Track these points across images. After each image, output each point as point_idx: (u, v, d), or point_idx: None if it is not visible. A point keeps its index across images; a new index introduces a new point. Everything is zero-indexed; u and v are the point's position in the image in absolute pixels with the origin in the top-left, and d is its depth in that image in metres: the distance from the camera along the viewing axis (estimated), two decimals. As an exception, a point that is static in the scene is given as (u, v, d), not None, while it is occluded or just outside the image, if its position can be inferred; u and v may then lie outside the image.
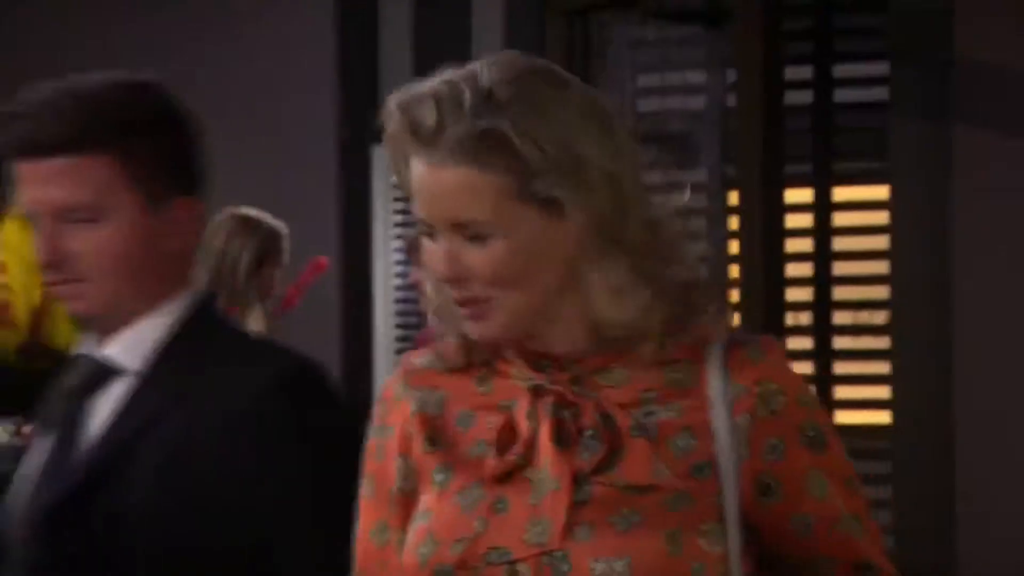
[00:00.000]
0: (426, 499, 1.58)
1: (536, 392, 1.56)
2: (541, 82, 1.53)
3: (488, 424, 1.57)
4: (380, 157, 5.60)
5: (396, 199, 5.73)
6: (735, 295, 4.31)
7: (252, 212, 4.05)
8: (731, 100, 4.39)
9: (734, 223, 4.36)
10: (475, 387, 1.60)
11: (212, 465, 1.82)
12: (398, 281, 5.69)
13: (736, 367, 1.55)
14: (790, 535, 1.56)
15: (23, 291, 5.95)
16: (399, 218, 5.72)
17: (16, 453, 4.66)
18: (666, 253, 1.55)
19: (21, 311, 5.92)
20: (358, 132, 5.61)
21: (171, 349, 1.90)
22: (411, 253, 4.31)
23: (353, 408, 1.88)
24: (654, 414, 1.54)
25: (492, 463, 1.54)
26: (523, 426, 1.55)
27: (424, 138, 1.51)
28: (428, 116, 1.51)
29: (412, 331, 5.49)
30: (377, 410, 1.64)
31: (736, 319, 4.56)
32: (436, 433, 1.59)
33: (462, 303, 1.54)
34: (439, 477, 1.58)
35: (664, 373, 1.55)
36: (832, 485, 1.56)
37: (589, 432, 1.54)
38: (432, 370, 1.62)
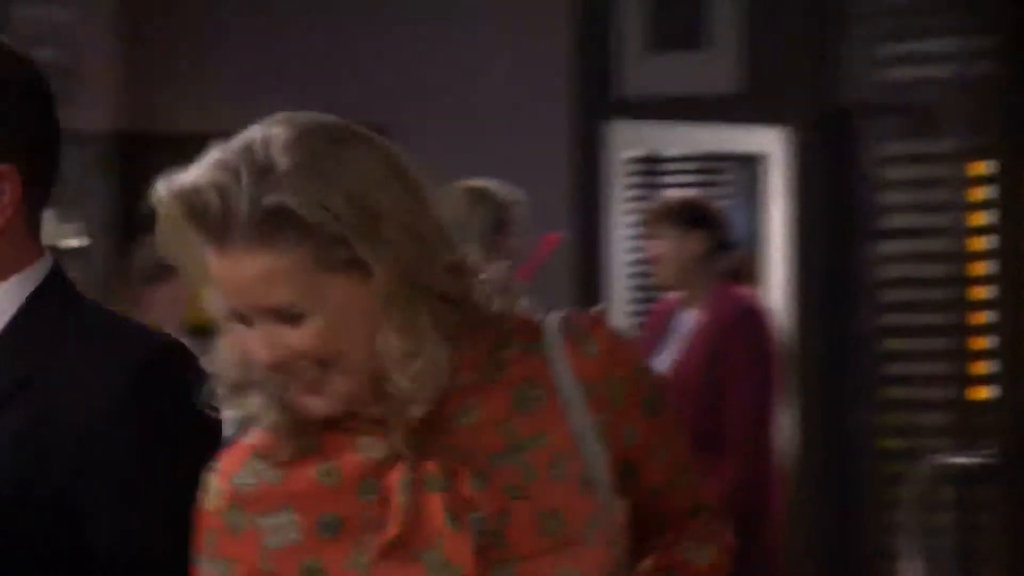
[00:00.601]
0: None
1: (396, 461, 1.49)
2: (321, 141, 1.47)
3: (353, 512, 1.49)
4: (613, 131, 5.57)
5: (630, 174, 5.70)
6: (981, 265, 4.18)
7: (484, 183, 4.06)
8: (978, 68, 4.24)
9: (977, 193, 4.22)
10: (318, 481, 1.50)
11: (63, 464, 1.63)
12: (631, 257, 5.65)
13: (578, 366, 1.52)
14: (642, 502, 1.57)
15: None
16: (632, 193, 5.68)
17: None
18: (474, 294, 1.50)
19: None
20: (591, 107, 5.59)
21: (19, 324, 1.71)
22: (646, 227, 4.27)
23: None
24: (522, 449, 1.50)
25: (376, 542, 1.47)
26: (399, 501, 1.48)
27: (211, 229, 1.44)
28: (210, 206, 1.43)
29: (644, 306, 5.45)
30: (205, 538, 1.51)
31: (985, 290, 4.41)
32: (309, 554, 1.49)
33: (295, 385, 1.47)
34: None
35: (512, 394, 1.51)
36: (668, 444, 1.58)
37: (476, 515, 1.48)
38: (263, 484, 1.50)
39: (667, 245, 4.18)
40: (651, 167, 5.75)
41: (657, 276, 4.23)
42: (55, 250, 6.09)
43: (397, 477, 1.47)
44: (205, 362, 1.53)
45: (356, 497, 1.48)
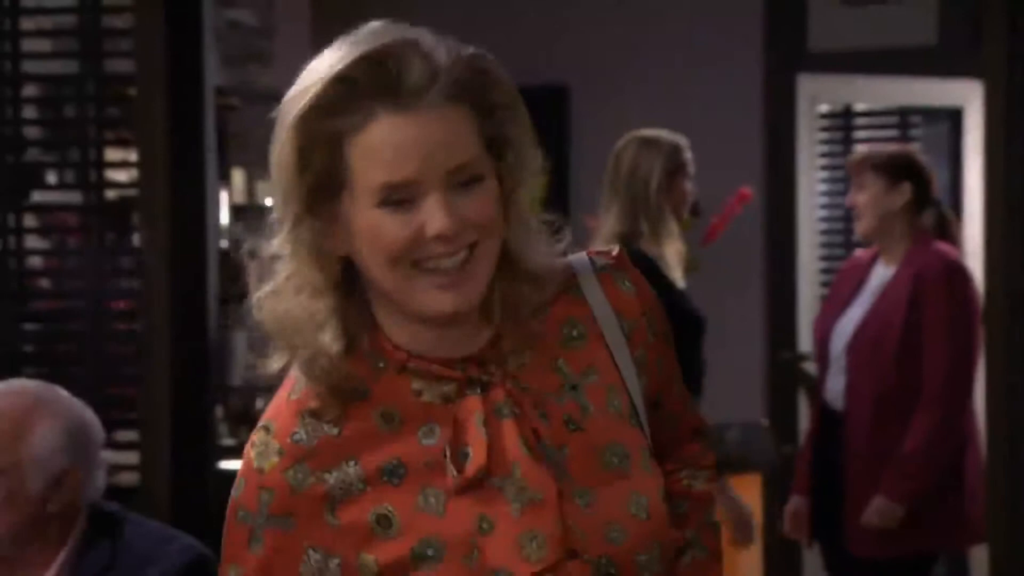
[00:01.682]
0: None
1: (471, 390, 1.49)
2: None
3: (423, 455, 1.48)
4: (806, 85, 5.46)
5: (822, 128, 5.59)
6: None
7: (652, 132, 4.05)
8: None
9: None
10: (378, 429, 1.49)
11: None
12: (822, 212, 5.59)
13: (617, 302, 1.57)
14: (660, 428, 1.62)
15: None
16: (824, 148, 5.59)
17: None
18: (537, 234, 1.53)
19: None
20: (784, 60, 5.48)
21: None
22: (851, 176, 4.21)
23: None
24: (578, 387, 1.54)
25: (452, 479, 1.47)
26: (478, 436, 1.48)
27: (409, 88, 1.43)
28: (413, 63, 1.44)
29: (835, 262, 5.40)
30: (262, 496, 1.49)
31: None
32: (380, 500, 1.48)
33: (443, 264, 1.46)
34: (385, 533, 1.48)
35: (558, 334, 1.54)
36: (679, 371, 1.64)
37: (546, 444, 1.51)
38: (324, 438, 1.49)
39: (871, 195, 4.12)
40: (844, 121, 5.64)
41: (859, 227, 4.18)
42: (249, 207, 6.18)
43: (473, 409, 1.49)
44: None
45: (418, 441, 1.49)
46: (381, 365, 1.51)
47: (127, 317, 4.02)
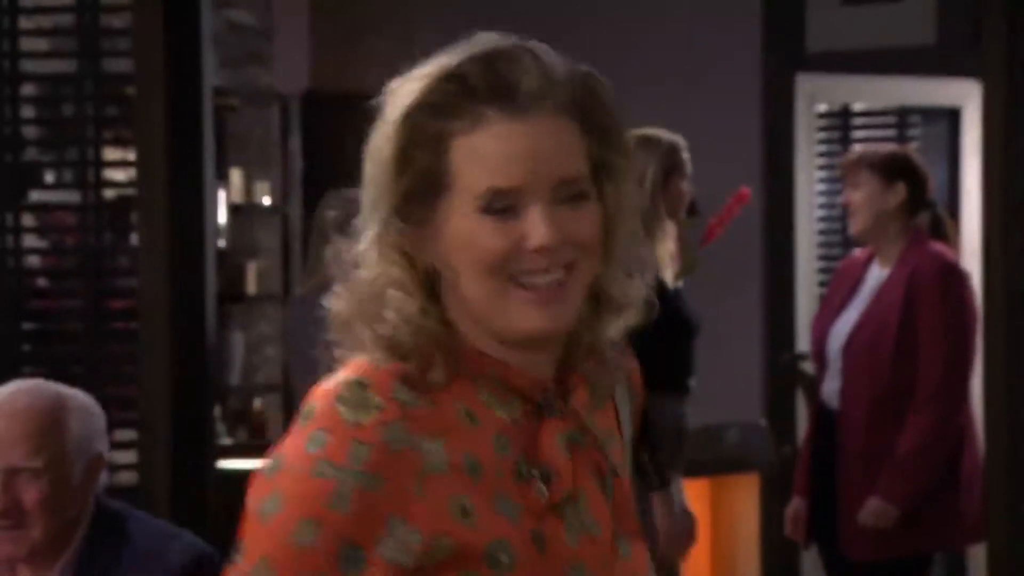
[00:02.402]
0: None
1: (549, 413, 1.45)
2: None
3: (497, 464, 1.43)
4: (803, 84, 5.46)
5: (821, 128, 5.59)
6: None
7: (649, 131, 4.04)
8: None
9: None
10: (460, 420, 1.43)
11: None
12: (821, 212, 5.59)
13: (630, 374, 1.58)
14: None
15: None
16: (822, 148, 5.59)
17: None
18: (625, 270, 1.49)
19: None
20: (782, 60, 5.48)
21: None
22: (847, 174, 4.20)
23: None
24: (608, 444, 1.52)
25: (537, 497, 1.42)
26: (562, 459, 1.44)
27: (524, 94, 1.39)
28: (530, 70, 1.40)
29: (834, 262, 5.40)
30: (356, 451, 1.38)
31: None
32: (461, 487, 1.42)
33: (538, 279, 1.40)
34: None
35: (589, 387, 1.51)
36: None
37: (607, 479, 1.49)
38: (421, 407, 1.41)
39: (866, 194, 4.11)
40: (842, 121, 5.64)
41: (852, 225, 4.17)
42: (248, 207, 6.22)
43: (555, 431, 1.45)
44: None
45: (492, 447, 1.43)
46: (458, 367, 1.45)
47: (126, 316, 4.02)
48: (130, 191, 4.09)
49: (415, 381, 1.41)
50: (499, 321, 1.42)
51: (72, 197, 4.20)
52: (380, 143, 1.41)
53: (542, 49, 1.43)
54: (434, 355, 1.41)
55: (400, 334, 1.41)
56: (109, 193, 4.28)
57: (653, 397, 3.89)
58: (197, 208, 3.96)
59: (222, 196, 5.59)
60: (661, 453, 3.85)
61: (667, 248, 3.94)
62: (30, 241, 4.31)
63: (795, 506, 4.25)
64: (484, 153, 1.39)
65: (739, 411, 5.30)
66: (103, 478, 2.48)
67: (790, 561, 5.36)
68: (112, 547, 2.40)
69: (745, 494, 4.93)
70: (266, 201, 5.91)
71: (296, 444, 1.39)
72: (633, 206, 1.48)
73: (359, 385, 1.40)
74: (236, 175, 5.82)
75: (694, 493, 4.38)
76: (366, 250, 1.43)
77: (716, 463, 4.79)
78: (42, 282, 4.36)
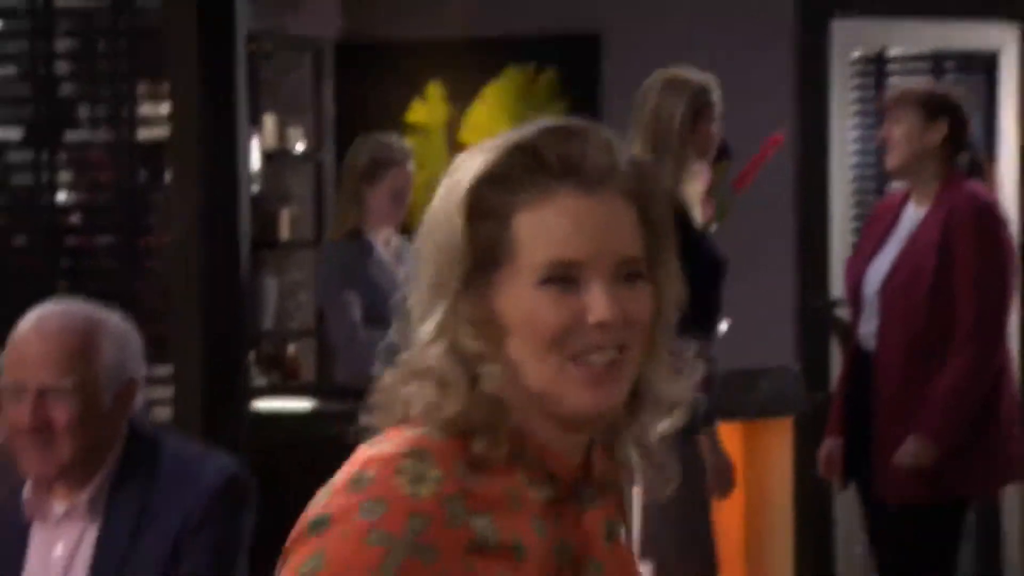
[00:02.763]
0: None
1: (588, 503, 1.46)
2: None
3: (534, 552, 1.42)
4: (838, 28, 5.42)
5: (854, 75, 5.55)
6: None
7: (679, 71, 4.01)
8: None
9: None
10: (510, 502, 1.42)
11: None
12: (854, 159, 5.55)
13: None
14: None
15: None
16: (857, 93, 5.55)
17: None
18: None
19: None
20: (816, 4, 5.44)
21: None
22: (887, 109, 4.14)
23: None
24: (615, 530, 1.51)
25: None
26: (606, 551, 1.46)
27: (592, 171, 1.40)
28: (599, 147, 1.41)
29: (868, 208, 5.37)
30: (412, 523, 1.37)
31: None
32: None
33: (595, 356, 1.40)
34: None
35: (612, 465, 1.50)
36: None
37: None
38: (475, 484, 1.40)
39: (906, 130, 4.06)
40: (877, 67, 5.60)
41: (890, 161, 4.12)
42: (280, 153, 6.24)
43: (597, 522, 1.46)
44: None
45: (533, 529, 1.43)
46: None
47: (159, 256, 4.03)
48: (164, 132, 4.09)
49: (473, 457, 1.41)
50: (551, 400, 1.41)
51: (106, 136, 4.20)
52: (444, 216, 1.41)
53: (607, 131, 1.44)
54: (501, 433, 1.41)
55: (473, 410, 1.40)
56: (143, 133, 4.29)
57: (682, 337, 3.90)
58: (230, 154, 3.96)
59: (255, 143, 5.59)
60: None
61: (696, 189, 3.92)
62: (64, 179, 4.32)
63: (828, 447, 4.24)
64: (549, 225, 1.39)
65: (772, 356, 5.29)
66: (139, 401, 2.48)
67: (823, 507, 5.35)
68: (146, 469, 2.42)
69: (778, 439, 4.91)
70: (299, 147, 5.91)
71: (348, 509, 1.37)
72: (679, 301, 1.48)
73: (419, 456, 1.39)
74: (269, 121, 5.82)
75: (727, 438, 4.37)
76: (435, 331, 1.41)
77: (749, 408, 4.78)
78: (76, 220, 4.37)
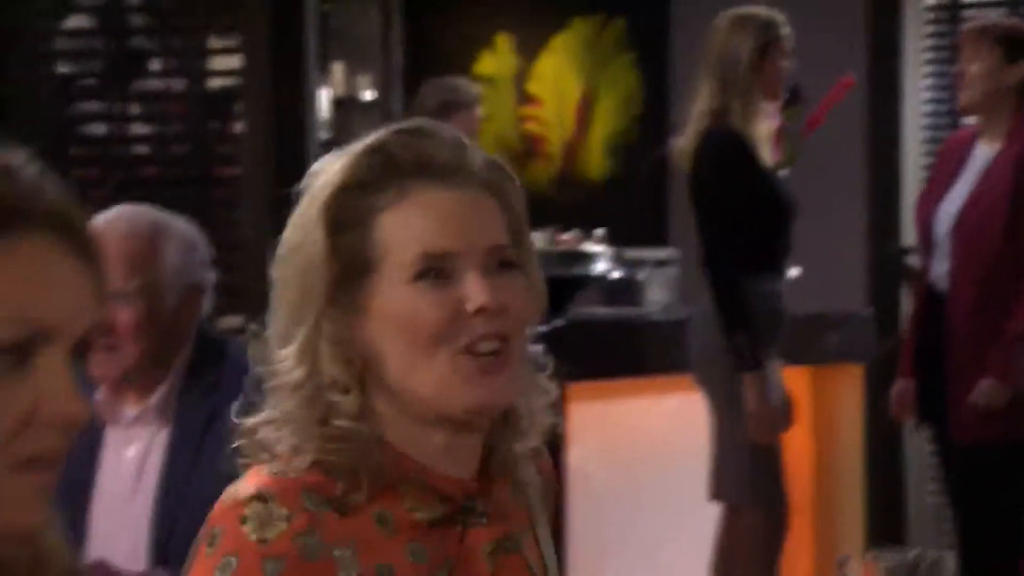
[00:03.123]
0: None
1: (475, 518, 1.42)
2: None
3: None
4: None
5: (927, 21, 5.48)
6: None
7: (747, 8, 3.97)
8: None
9: None
10: (376, 526, 1.39)
11: None
12: (927, 108, 5.49)
13: (542, 465, 1.54)
14: None
15: (557, 124, 6.14)
16: (930, 36, 5.48)
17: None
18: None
19: (555, 144, 6.12)
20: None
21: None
22: (964, 44, 4.08)
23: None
24: (518, 540, 1.48)
25: None
26: (487, 568, 1.43)
27: (448, 167, 1.40)
28: (448, 143, 1.41)
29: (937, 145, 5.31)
30: (266, 568, 1.34)
31: None
32: None
33: (483, 345, 1.38)
34: None
35: (511, 485, 1.47)
36: None
37: None
38: (331, 515, 1.37)
39: (984, 68, 4.00)
40: (951, 13, 5.52)
41: (963, 98, 4.07)
42: (349, 101, 6.28)
43: (481, 541, 1.43)
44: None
45: (406, 556, 1.40)
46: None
47: (230, 205, 4.06)
48: (235, 81, 4.12)
49: (327, 494, 1.37)
50: (443, 399, 1.38)
51: (177, 85, 4.23)
52: (304, 232, 1.39)
53: (456, 131, 1.44)
54: (361, 477, 1.37)
55: (335, 454, 1.37)
56: (214, 82, 4.31)
57: (748, 277, 3.90)
58: (299, 102, 3.98)
59: (324, 90, 5.61)
60: (754, 334, 3.84)
61: (765, 127, 3.90)
62: (136, 129, 4.36)
63: (900, 387, 4.22)
64: (413, 221, 1.38)
65: (843, 301, 5.26)
66: (205, 307, 2.46)
67: (893, 451, 5.34)
68: (214, 373, 2.41)
69: (848, 385, 4.90)
70: (368, 95, 5.93)
71: (205, 573, 1.35)
72: (541, 305, 1.45)
73: (260, 499, 1.36)
74: (338, 69, 5.84)
75: (796, 382, 4.36)
76: (296, 357, 1.38)
77: (819, 353, 4.76)
78: (149, 170, 4.42)
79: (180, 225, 2.46)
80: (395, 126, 1.42)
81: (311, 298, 1.38)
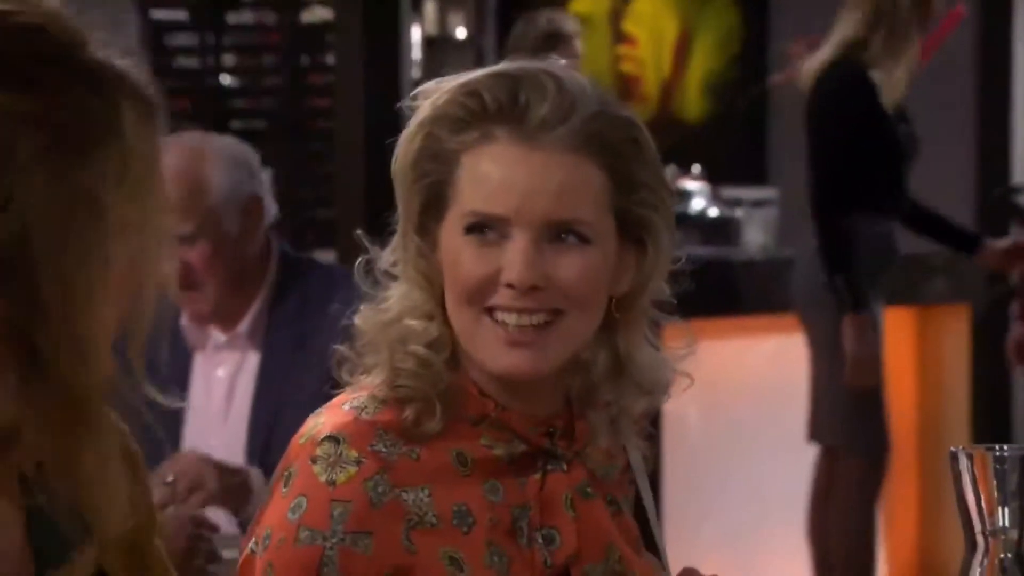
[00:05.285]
0: None
1: (552, 463, 1.39)
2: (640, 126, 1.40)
3: (491, 516, 1.37)
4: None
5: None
6: None
7: None
8: None
9: None
10: (453, 466, 1.37)
11: None
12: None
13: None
14: None
15: (654, 64, 6.04)
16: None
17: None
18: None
19: (652, 84, 6.03)
20: None
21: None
22: None
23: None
24: (609, 475, 1.45)
25: (540, 561, 1.37)
26: (567, 520, 1.39)
27: (541, 122, 1.34)
28: (550, 96, 1.35)
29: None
30: (334, 511, 1.33)
31: None
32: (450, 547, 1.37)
33: (509, 324, 1.35)
34: None
35: (593, 432, 1.43)
36: None
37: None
38: (404, 458, 1.35)
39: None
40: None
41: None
42: (442, 39, 6.23)
43: (560, 487, 1.40)
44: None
45: (483, 494, 1.38)
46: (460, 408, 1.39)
47: (323, 137, 4.02)
48: (327, 17, 4.07)
49: (403, 430, 1.36)
50: (475, 354, 1.38)
51: (269, 18, 4.19)
52: (402, 151, 1.39)
53: (575, 80, 1.37)
54: (434, 405, 1.36)
55: (406, 381, 1.37)
56: (305, 17, 4.27)
57: (860, 217, 3.81)
58: (392, 40, 3.94)
59: (416, 29, 5.56)
60: (858, 276, 3.76)
61: (909, 68, 3.78)
62: (228, 61, 4.32)
63: (1020, 332, 4.12)
64: (482, 174, 1.36)
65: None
66: (269, 214, 2.43)
67: (1001, 395, 5.21)
68: (299, 292, 2.41)
69: (955, 327, 4.79)
70: (460, 33, 5.87)
71: (278, 513, 1.35)
72: (665, 269, 1.40)
73: (332, 441, 1.35)
74: (430, 7, 5.79)
75: (901, 325, 4.26)
76: (392, 262, 1.40)
77: (925, 294, 4.67)
78: (240, 103, 4.39)
79: (219, 142, 2.43)
80: (497, 67, 1.39)
81: (405, 220, 1.39)
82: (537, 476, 1.39)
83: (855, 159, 3.82)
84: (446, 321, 1.38)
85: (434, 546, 1.34)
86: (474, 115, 1.36)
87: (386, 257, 1.40)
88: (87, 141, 0.99)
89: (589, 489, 1.42)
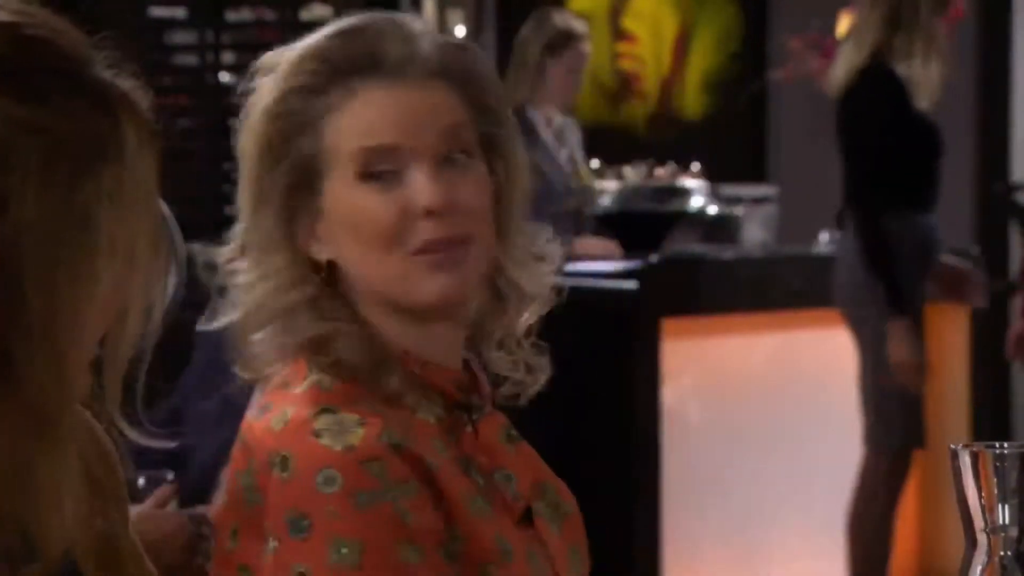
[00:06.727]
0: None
1: (475, 413, 1.39)
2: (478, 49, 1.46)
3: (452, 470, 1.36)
4: None
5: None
6: None
7: None
8: None
9: None
10: (414, 429, 1.36)
11: None
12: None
13: None
14: None
15: (653, 61, 6.04)
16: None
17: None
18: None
19: (651, 81, 6.02)
20: None
21: None
22: None
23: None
24: (512, 431, 1.44)
25: (513, 503, 1.39)
26: (512, 457, 1.41)
27: (395, 61, 1.36)
28: (393, 39, 1.37)
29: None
30: (372, 469, 1.31)
31: None
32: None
33: (435, 246, 1.35)
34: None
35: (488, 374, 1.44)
36: None
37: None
38: (389, 413, 1.35)
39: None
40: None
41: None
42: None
43: (495, 431, 1.41)
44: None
45: (435, 448, 1.36)
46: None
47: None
48: (327, 13, 4.07)
49: (369, 396, 1.34)
50: (401, 295, 1.36)
51: (269, 16, 4.19)
52: (250, 137, 1.36)
53: (408, 19, 1.41)
54: (384, 365, 1.35)
55: (348, 354, 1.34)
56: (304, 15, 4.27)
57: (902, 213, 3.82)
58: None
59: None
60: (902, 277, 3.77)
61: (936, 68, 3.79)
62: (229, 58, 4.32)
63: (1019, 328, 4.12)
64: (355, 121, 1.36)
65: (949, 240, 5.13)
66: None
67: (1000, 392, 5.22)
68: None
69: (954, 325, 4.78)
70: (460, 30, 5.86)
71: (308, 493, 1.30)
72: (525, 186, 1.43)
73: (327, 412, 1.32)
74: (429, 5, 5.78)
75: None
76: (258, 261, 1.36)
77: (927, 294, 4.65)
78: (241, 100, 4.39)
79: None
80: (334, 27, 1.40)
81: (265, 202, 1.36)
82: (468, 429, 1.39)
83: (894, 159, 3.85)
84: (337, 292, 1.37)
85: (447, 487, 1.34)
86: (329, 78, 1.36)
87: (230, 250, 1.38)
88: (86, 156, 0.98)
89: (512, 432, 1.43)
